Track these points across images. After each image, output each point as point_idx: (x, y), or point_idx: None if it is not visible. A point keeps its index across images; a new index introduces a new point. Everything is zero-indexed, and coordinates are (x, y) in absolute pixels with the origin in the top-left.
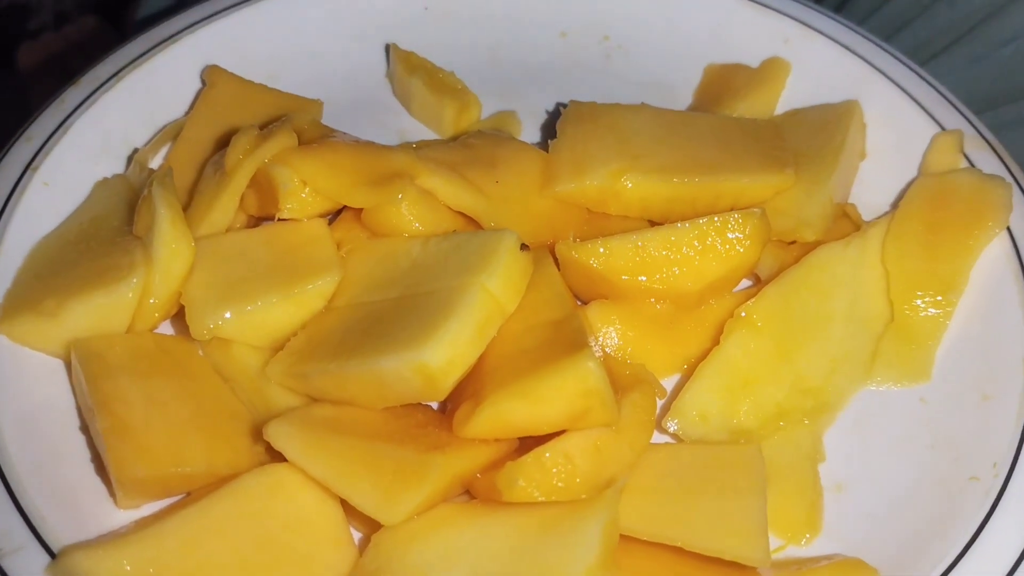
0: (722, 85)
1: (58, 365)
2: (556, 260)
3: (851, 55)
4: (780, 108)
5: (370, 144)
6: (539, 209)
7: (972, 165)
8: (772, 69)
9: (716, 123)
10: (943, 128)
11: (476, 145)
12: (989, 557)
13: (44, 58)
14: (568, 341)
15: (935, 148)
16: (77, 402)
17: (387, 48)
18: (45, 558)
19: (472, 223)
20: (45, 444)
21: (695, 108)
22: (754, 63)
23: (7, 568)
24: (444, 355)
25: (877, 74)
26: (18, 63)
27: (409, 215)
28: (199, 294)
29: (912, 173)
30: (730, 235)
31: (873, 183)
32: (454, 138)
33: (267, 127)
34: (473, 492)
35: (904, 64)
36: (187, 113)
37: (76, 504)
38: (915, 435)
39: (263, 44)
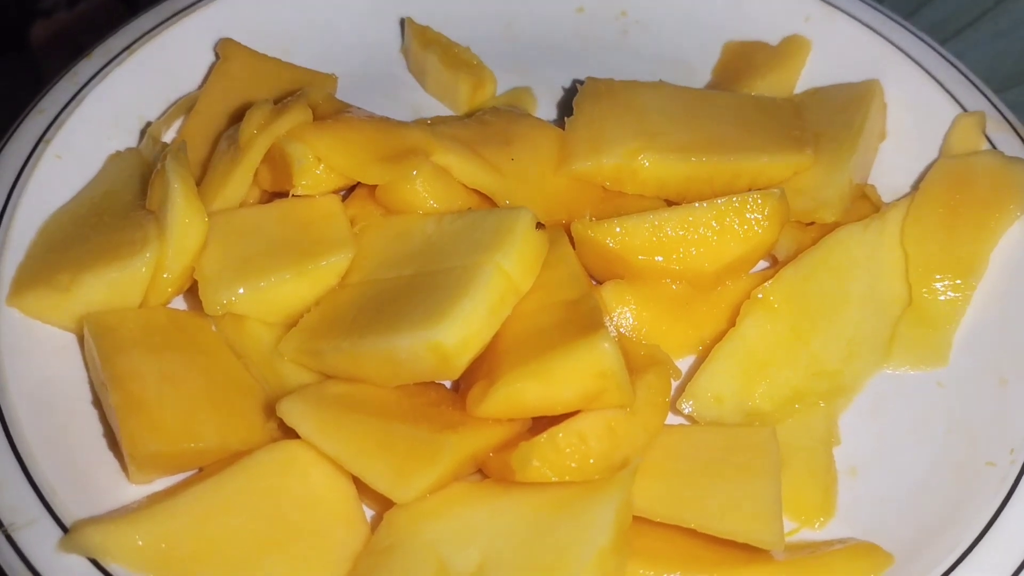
0: (741, 63)
1: (71, 339)
2: (571, 239)
3: (872, 34)
4: (800, 86)
5: (385, 120)
6: (554, 187)
7: (994, 147)
8: (792, 47)
9: (735, 101)
10: (965, 109)
11: (491, 122)
12: (1005, 543)
13: (56, 34)
14: (583, 322)
15: (957, 129)
16: (90, 376)
17: (402, 22)
18: (57, 532)
19: (487, 201)
20: (58, 419)
21: (714, 86)
22: (774, 41)
23: (20, 542)
24: (458, 334)
25: (898, 53)
26: (31, 40)
27: (424, 192)
28: (212, 270)
29: (932, 154)
30: (748, 216)
31: (893, 164)
32: (469, 114)
33: (281, 101)
34: (486, 471)
35: (926, 43)
36: (201, 86)
37: (88, 478)
38: (931, 419)
39: (277, 17)
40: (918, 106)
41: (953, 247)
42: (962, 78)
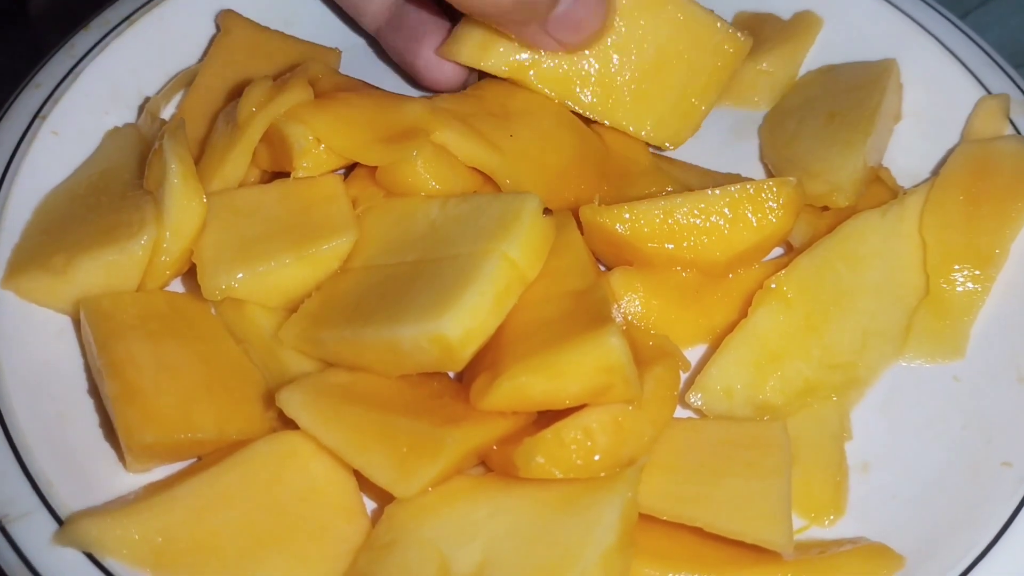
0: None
1: (67, 322)
2: (579, 224)
3: (892, 8)
4: (817, 62)
5: (385, 97)
6: (556, 164)
7: (1018, 132)
8: (803, 23)
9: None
10: (987, 90)
11: (487, 95)
12: (1020, 549)
13: (54, 4)
14: (591, 314)
15: (979, 113)
16: (86, 361)
17: None
18: (52, 524)
19: (489, 181)
20: (53, 407)
21: None
22: (790, 13)
23: (14, 534)
24: (463, 326)
25: (919, 30)
26: (29, 10)
27: (425, 173)
28: (211, 253)
29: (952, 136)
30: (763, 204)
31: (910, 146)
32: (463, 86)
33: (281, 77)
34: (489, 464)
35: (948, 20)
36: (200, 60)
37: (84, 468)
38: (946, 415)
39: None
40: (939, 86)
41: (973, 236)
42: (986, 57)
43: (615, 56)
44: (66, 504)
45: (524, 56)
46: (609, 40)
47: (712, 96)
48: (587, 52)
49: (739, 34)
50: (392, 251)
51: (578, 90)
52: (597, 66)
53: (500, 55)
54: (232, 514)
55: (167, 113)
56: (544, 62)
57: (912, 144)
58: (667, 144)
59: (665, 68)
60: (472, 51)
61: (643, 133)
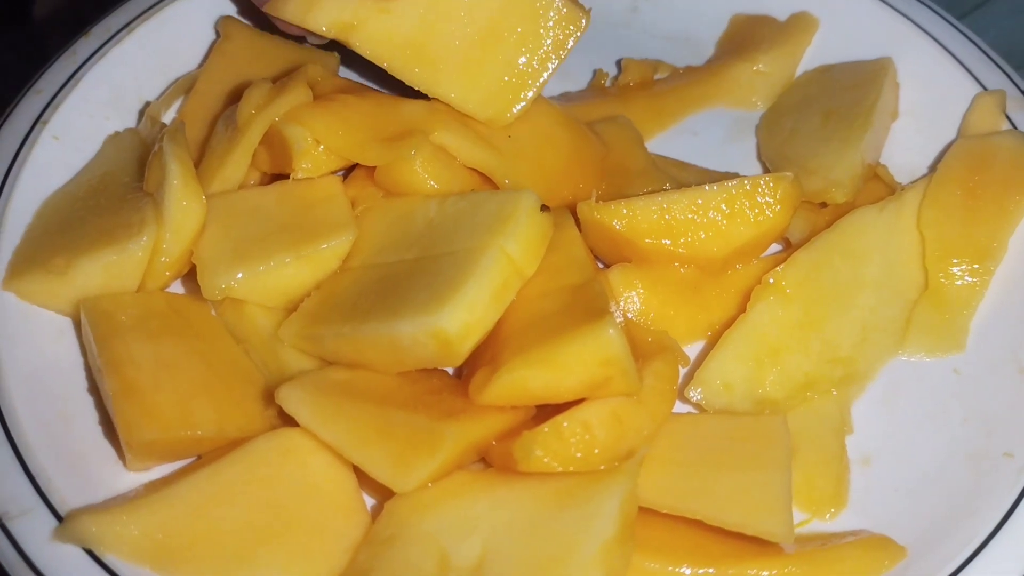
0: (746, 37)
1: (67, 324)
2: (577, 221)
3: (888, 8)
4: (814, 62)
5: (383, 98)
6: (554, 164)
7: (1014, 127)
8: (799, 24)
9: None
10: (983, 87)
11: None
12: (1022, 537)
13: (59, 8)
14: (589, 307)
15: (976, 109)
16: (86, 362)
17: None
18: (52, 522)
19: (488, 181)
20: (54, 405)
21: (716, 58)
22: (786, 14)
23: (14, 532)
24: (461, 320)
25: (915, 29)
26: (34, 14)
27: (423, 173)
28: (211, 253)
29: (948, 133)
30: (759, 199)
31: (908, 143)
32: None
33: (280, 80)
34: (489, 460)
35: (944, 19)
36: (200, 66)
37: (84, 466)
38: (947, 408)
39: None
40: (936, 84)
41: (971, 230)
42: (981, 55)
43: (443, 23)
44: (66, 502)
45: (347, 17)
46: (438, 6)
47: (543, 75)
48: (414, 17)
49: (578, 11)
50: (391, 249)
51: (402, 56)
52: (423, 32)
53: (323, 15)
54: (232, 510)
55: (167, 118)
56: (368, 25)
57: (909, 141)
58: (490, 121)
59: (496, 41)
60: (296, 9)
61: (468, 107)
